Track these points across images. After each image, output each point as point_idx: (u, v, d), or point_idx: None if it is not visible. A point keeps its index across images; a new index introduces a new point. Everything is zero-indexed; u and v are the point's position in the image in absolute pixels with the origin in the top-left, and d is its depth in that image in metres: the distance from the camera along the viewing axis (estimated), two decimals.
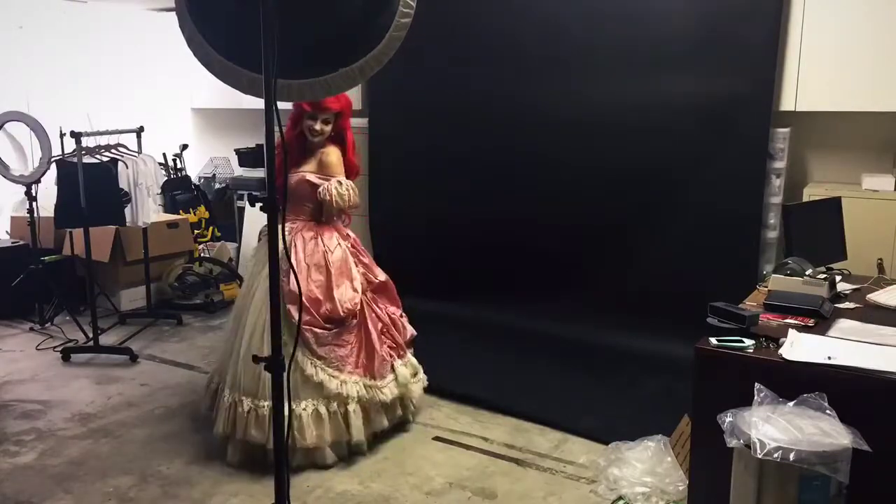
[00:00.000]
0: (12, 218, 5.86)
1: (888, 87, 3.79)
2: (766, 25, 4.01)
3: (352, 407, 3.28)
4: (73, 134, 4.72)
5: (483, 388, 3.95)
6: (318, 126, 3.41)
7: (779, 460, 1.87)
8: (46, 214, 5.32)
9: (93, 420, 3.84)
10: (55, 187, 5.04)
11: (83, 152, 4.75)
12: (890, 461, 1.99)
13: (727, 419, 2.05)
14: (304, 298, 3.24)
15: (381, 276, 3.63)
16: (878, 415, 2.06)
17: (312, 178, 3.42)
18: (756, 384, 2.11)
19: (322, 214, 3.47)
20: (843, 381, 2.12)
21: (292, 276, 3.21)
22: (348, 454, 3.35)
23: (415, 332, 3.71)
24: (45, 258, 5.42)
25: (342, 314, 3.32)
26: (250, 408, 3.22)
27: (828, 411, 2.02)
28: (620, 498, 2.98)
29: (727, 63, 4.15)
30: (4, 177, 5.34)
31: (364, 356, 3.39)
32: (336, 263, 3.38)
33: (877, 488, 2.05)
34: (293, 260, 3.30)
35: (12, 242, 5.69)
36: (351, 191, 3.44)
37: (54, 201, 5.04)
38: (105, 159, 5.16)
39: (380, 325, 3.50)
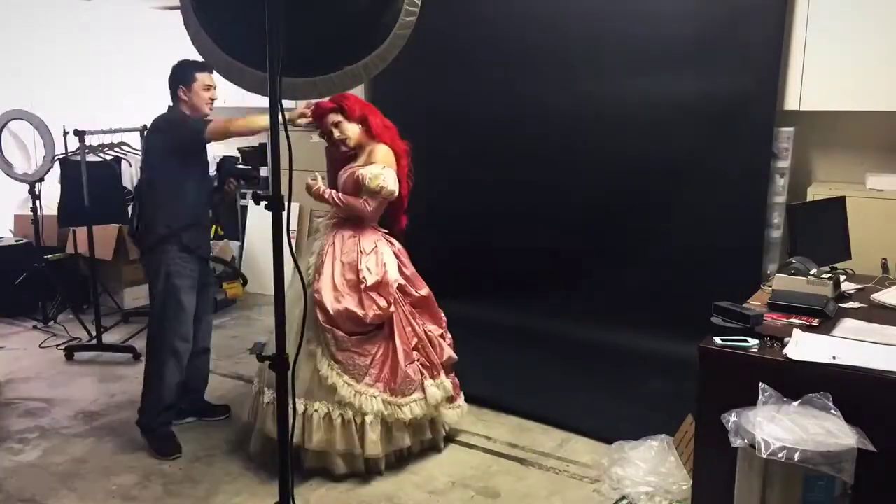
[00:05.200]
0: (16, 216, 5.87)
1: (893, 86, 3.77)
2: (771, 24, 4.00)
3: (369, 419, 3.12)
4: (76, 132, 4.73)
5: (486, 388, 3.95)
6: (336, 134, 3.32)
7: (783, 460, 1.87)
8: (50, 213, 5.33)
9: (96, 418, 3.85)
10: (59, 186, 5.05)
11: (87, 151, 4.75)
12: (895, 461, 1.98)
13: (731, 419, 2.05)
14: (330, 298, 3.17)
15: (423, 290, 3.45)
16: (883, 414, 2.05)
17: (357, 169, 3.31)
18: (761, 384, 2.10)
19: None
20: (847, 381, 2.11)
21: (321, 273, 3.20)
22: (365, 470, 3.22)
23: (454, 356, 3.50)
24: (49, 256, 5.43)
25: (367, 321, 3.17)
26: (270, 400, 3.16)
27: (832, 411, 2.01)
28: (624, 497, 2.98)
29: (731, 62, 4.14)
30: (8, 175, 5.35)
31: (388, 370, 3.21)
32: (370, 267, 3.23)
33: (882, 488, 2.04)
34: (327, 256, 3.25)
35: (16, 241, 5.71)
36: (389, 178, 3.26)
37: (58, 200, 5.05)
38: (109, 158, 5.17)
39: (414, 340, 3.31)
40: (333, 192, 3.36)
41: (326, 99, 3.25)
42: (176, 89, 3.50)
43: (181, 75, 3.50)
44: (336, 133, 3.34)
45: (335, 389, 3.12)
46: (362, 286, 3.19)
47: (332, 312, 3.16)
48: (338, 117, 3.33)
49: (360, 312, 3.16)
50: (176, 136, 3.42)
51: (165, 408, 3.49)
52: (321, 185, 3.39)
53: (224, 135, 3.39)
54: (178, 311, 3.44)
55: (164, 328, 3.45)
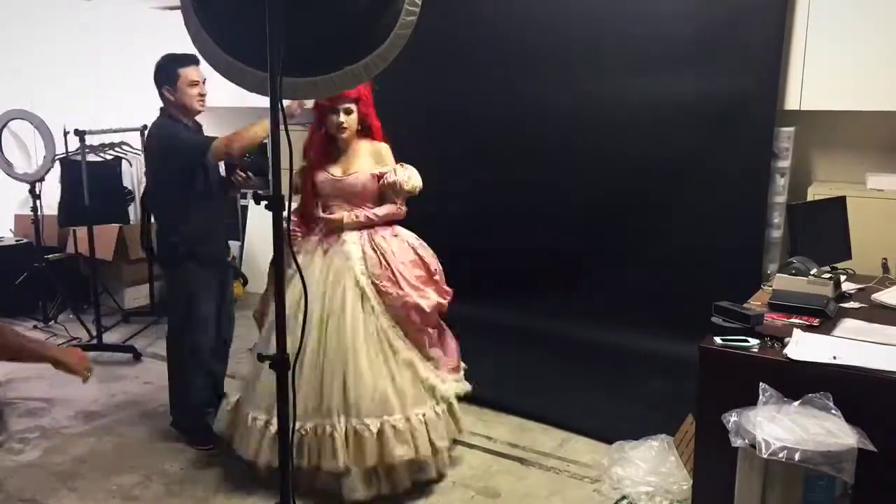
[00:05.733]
0: (16, 216, 5.87)
1: (893, 86, 3.77)
2: (771, 24, 4.00)
3: (455, 404, 3.22)
4: (77, 132, 4.73)
5: (486, 388, 3.94)
6: (341, 119, 3.23)
7: (784, 460, 1.87)
8: (50, 213, 5.33)
9: (96, 418, 3.85)
10: (59, 185, 5.05)
11: (87, 150, 4.76)
12: (895, 461, 1.98)
13: (732, 419, 2.05)
14: (419, 298, 3.12)
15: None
16: (883, 414, 2.05)
17: (377, 171, 3.27)
18: (761, 384, 2.10)
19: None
20: (848, 381, 2.12)
21: (386, 280, 3.10)
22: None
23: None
24: (49, 256, 5.43)
25: (446, 309, 3.24)
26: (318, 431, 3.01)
27: (833, 411, 2.01)
28: (624, 497, 2.98)
29: (731, 62, 4.14)
30: (8, 175, 5.35)
31: (449, 352, 3.33)
32: (426, 256, 3.26)
33: (882, 488, 2.05)
34: (390, 260, 3.13)
35: (16, 241, 5.70)
36: (416, 176, 3.28)
37: (58, 199, 5.06)
38: (109, 157, 5.18)
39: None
40: (367, 212, 3.24)
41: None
42: (161, 90, 3.33)
43: (164, 74, 3.31)
44: (344, 119, 3.24)
45: (433, 388, 3.13)
46: (436, 277, 3.24)
47: (427, 310, 3.13)
48: (353, 106, 3.27)
49: (444, 301, 3.23)
50: (177, 161, 3.29)
51: (195, 406, 3.52)
52: (345, 214, 3.24)
53: (225, 155, 3.26)
54: (198, 322, 3.43)
55: (183, 332, 3.45)
